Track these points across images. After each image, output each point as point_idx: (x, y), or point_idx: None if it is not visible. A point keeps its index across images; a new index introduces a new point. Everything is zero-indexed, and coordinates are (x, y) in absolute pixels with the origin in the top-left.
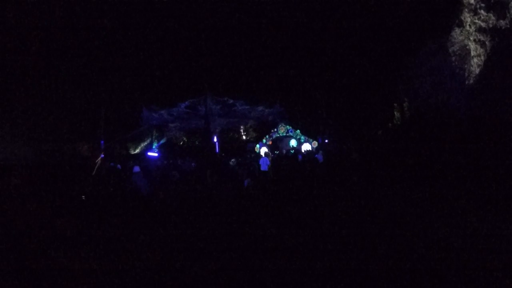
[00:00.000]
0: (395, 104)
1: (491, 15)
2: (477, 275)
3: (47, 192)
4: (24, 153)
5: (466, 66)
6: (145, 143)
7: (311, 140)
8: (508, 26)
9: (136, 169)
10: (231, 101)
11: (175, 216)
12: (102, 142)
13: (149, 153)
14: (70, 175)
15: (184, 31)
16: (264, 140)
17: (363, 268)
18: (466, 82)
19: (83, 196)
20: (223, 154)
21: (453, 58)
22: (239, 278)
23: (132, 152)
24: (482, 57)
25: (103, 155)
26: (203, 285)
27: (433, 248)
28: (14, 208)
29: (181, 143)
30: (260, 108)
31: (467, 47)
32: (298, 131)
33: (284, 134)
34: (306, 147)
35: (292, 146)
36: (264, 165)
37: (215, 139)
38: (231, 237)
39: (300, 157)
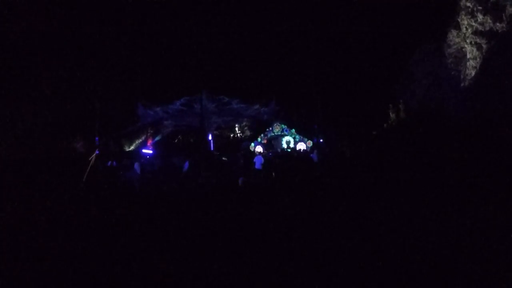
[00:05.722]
0: (390, 105)
1: (487, 18)
2: (475, 276)
3: (42, 187)
4: (20, 150)
5: (462, 68)
6: (140, 140)
7: (306, 139)
8: (505, 29)
9: (136, 166)
10: (227, 99)
11: (171, 213)
12: (97, 138)
13: (144, 150)
14: (65, 171)
15: (180, 29)
16: (259, 139)
17: (357, 267)
18: (462, 84)
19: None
20: (218, 152)
21: (449, 60)
22: (235, 277)
23: (127, 149)
24: (478, 60)
25: (98, 151)
26: (199, 282)
27: (426, 247)
28: (11, 204)
29: (175, 141)
30: (256, 106)
31: (463, 49)
32: (293, 130)
33: (279, 133)
34: (300, 146)
35: (288, 145)
36: (259, 164)
37: (210, 137)
38: (226, 235)
39: (295, 155)
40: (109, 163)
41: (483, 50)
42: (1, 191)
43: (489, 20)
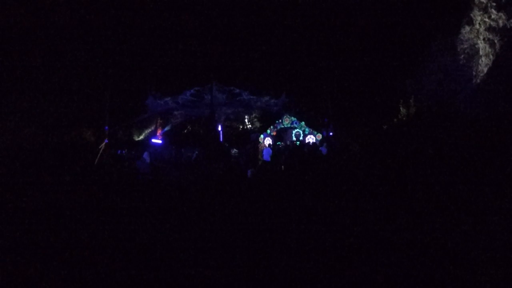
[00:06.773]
0: (401, 100)
1: (502, 14)
2: (475, 276)
3: (52, 176)
4: (30, 138)
5: (474, 65)
6: (149, 129)
7: (315, 132)
8: None
9: (145, 155)
10: (237, 90)
11: (180, 204)
12: (106, 128)
13: (153, 140)
14: (75, 159)
15: (190, 18)
16: (268, 131)
17: (364, 263)
18: (474, 81)
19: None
20: (227, 144)
21: (462, 57)
22: (242, 271)
23: (136, 139)
24: (491, 57)
25: (107, 141)
26: (204, 276)
27: (434, 247)
28: (20, 193)
29: (185, 131)
30: (266, 98)
31: (476, 46)
32: (303, 122)
33: (289, 125)
34: (310, 139)
35: (297, 138)
36: (267, 156)
37: (219, 128)
38: (235, 228)
39: (305, 149)
40: (119, 151)
41: (496, 47)
42: (13, 178)
43: (503, 17)
